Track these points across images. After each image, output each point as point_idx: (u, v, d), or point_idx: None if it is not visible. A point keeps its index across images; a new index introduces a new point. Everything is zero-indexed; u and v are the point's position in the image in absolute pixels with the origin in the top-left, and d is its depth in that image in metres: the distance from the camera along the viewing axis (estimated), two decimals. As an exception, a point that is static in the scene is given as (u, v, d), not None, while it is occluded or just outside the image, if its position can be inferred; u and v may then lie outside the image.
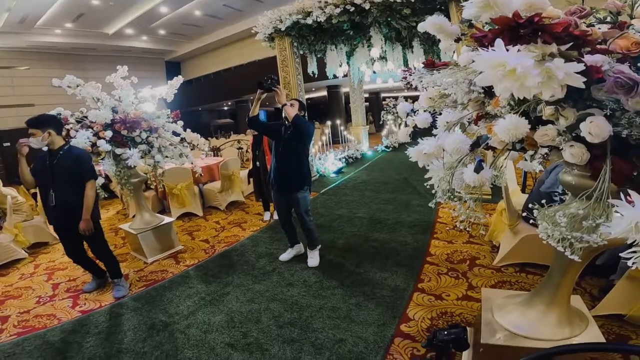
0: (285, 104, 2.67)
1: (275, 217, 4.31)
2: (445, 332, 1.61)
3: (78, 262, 2.91)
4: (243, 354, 2.04)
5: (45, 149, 2.52)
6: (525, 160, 1.65)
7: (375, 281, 2.79)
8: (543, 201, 1.22)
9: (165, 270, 3.29)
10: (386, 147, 10.87)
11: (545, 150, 1.26)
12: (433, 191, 1.37)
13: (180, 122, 3.54)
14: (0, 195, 4.01)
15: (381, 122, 12.68)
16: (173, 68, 18.09)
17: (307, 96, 10.33)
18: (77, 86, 3.06)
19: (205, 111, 21.89)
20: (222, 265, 3.31)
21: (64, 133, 2.78)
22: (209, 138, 12.23)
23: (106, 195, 4.18)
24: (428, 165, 1.41)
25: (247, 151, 9.02)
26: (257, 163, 4.57)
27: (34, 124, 2.44)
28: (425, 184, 1.43)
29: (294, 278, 2.95)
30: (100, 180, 3.25)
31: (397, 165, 7.98)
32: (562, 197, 1.37)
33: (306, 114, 3.28)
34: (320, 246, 3.27)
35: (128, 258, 3.69)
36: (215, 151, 9.52)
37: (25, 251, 3.89)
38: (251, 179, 5.09)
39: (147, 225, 3.57)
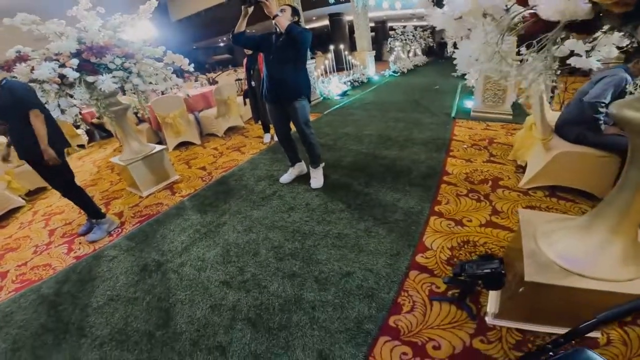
0: (277, 15, 2.30)
1: (277, 138, 3.95)
2: (477, 265, 1.26)
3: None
4: (239, 292, 1.79)
5: None
6: (578, 56, 1.13)
7: (387, 203, 2.45)
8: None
9: (160, 203, 3.01)
10: (394, 72, 9.93)
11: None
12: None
13: (162, 47, 3.07)
14: None
15: (388, 49, 11.50)
16: (159, 9, 16.18)
17: (307, 26, 8.99)
18: (33, 23, 2.59)
19: (201, 49, 20.49)
20: (218, 192, 3.00)
21: (28, 69, 2.50)
22: (207, 74, 11.27)
23: (85, 128, 3.80)
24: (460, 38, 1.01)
25: (244, 79, 8.31)
26: (253, 83, 4.06)
27: None
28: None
29: (295, 202, 2.63)
30: (74, 110, 2.85)
31: (407, 89, 7.19)
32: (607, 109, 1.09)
33: (301, 20, 2.66)
34: (323, 164, 2.93)
35: (124, 194, 3.39)
36: (213, 82, 8.86)
37: (23, 198, 3.62)
38: (247, 101, 4.60)
39: (137, 154, 3.22)
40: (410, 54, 12.20)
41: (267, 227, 2.35)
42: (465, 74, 1.19)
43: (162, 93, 4.37)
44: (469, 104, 4.56)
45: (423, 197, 2.48)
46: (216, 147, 4.39)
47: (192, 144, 4.64)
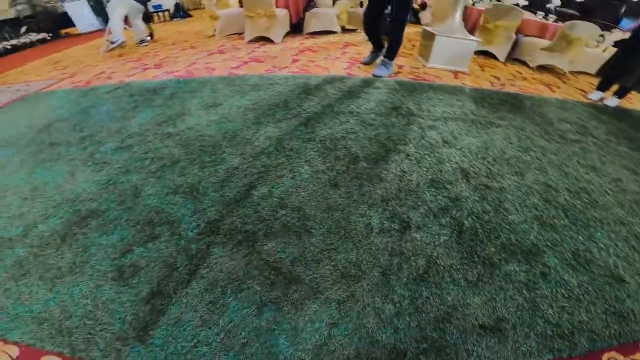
0: None
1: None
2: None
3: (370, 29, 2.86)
4: (473, 192, 1.37)
5: None
6: None
7: None
8: None
9: (438, 77, 2.78)
10: None
11: None
12: None
13: None
14: None
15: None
16: None
17: None
18: None
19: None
20: (506, 102, 2.40)
21: None
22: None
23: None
24: None
25: None
26: None
27: None
28: None
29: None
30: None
31: None
32: None
33: None
34: None
35: (411, 58, 3.40)
36: None
37: (344, 28, 4.47)
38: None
39: (450, 33, 3.04)
40: None
41: (551, 163, 1.66)
42: None
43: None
44: None
45: None
46: (520, 71, 3.54)
47: (496, 58, 3.90)
